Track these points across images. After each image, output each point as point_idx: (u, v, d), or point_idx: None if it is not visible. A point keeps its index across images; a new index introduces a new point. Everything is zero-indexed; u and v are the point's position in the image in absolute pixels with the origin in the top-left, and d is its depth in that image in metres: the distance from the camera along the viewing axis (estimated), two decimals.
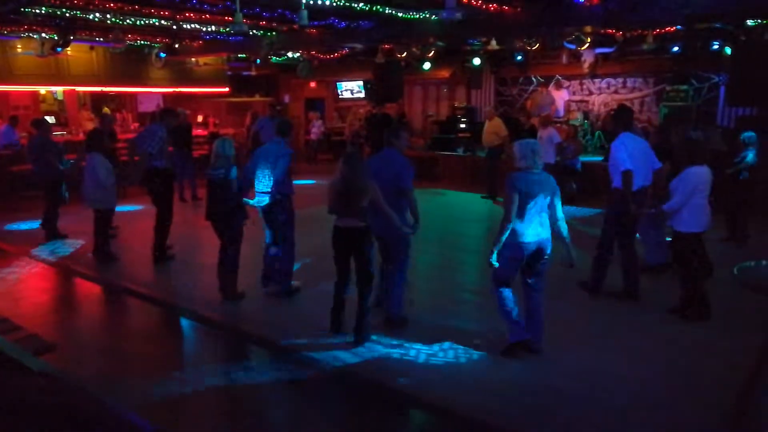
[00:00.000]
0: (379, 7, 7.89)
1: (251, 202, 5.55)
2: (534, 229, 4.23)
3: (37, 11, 8.34)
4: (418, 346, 4.69)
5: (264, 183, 5.46)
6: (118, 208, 7.76)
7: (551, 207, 4.29)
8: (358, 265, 4.71)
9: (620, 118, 5.53)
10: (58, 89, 13.01)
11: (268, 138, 11.61)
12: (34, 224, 8.70)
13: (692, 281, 5.04)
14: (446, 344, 4.73)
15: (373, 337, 4.80)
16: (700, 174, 4.89)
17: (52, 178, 8.01)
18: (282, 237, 5.69)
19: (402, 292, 5.09)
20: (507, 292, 4.42)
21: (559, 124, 12.97)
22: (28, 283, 6.59)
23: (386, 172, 4.75)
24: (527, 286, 4.47)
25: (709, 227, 5.04)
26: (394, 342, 4.76)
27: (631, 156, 5.21)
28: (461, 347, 4.67)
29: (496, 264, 4.27)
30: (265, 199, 5.48)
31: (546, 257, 4.35)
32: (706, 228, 4.99)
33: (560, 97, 13.58)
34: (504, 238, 4.21)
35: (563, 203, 4.43)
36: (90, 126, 11.52)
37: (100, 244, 7.13)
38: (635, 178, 5.19)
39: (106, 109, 13.54)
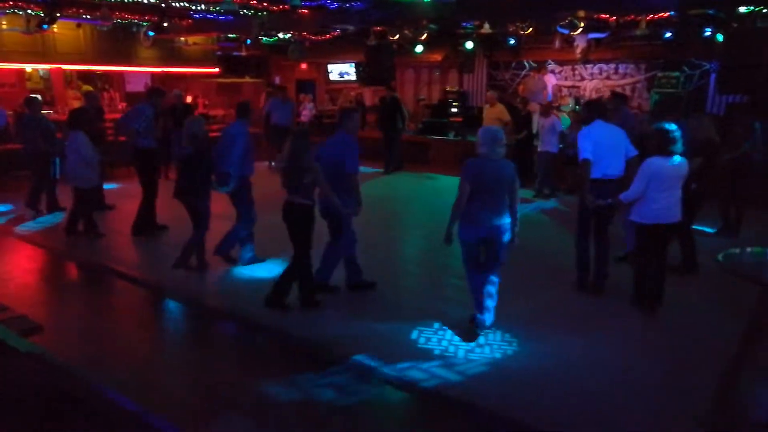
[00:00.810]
0: None
1: (222, 189, 5.70)
2: (489, 214, 4.32)
3: None
4: (391, 325, 4.74)
5: (225, 164, 5.66)
6: (109, 186, 7.68)
7: (510, 193, 4.36)
8: (291, 240, 4.92)
9: (593, 109, 5.37)
10: (44, 67, 12.76)
11: (278, 119, 11.83)
12: (19, 204, 8.63)
13: (635, 270, 5.10)
14: (428, 326, 4.77)
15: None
16: (659, 165, 4.66)
17: (39, 157, 7.97)
18: (242, 214, 5.97)
19: (335, 264, 5.36)
20: (475, 278, 4.59)
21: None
22: (15, 263, 6.54)
23: (333, 154, 4.93)
24: (485, 275, 4.54)
25: (665, 221, 4.77)
26: (373, 324, 4.79)
27: (598, 145, 5.07)
28: (442, 329, 4.72)
29: (453, 244, 4.48)
30: (231, 183, 5.66)
31: (502, 242, 4.42)
32: (654, 221, 4.76)
33: (548, 81, 13.55)
34: (455, 220, 4.41)
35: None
36: (76, 105, 11.35)
37: (86, 222, 7.17)
38: (601, 167, 5.09)
39: (88, 87, 13.30)
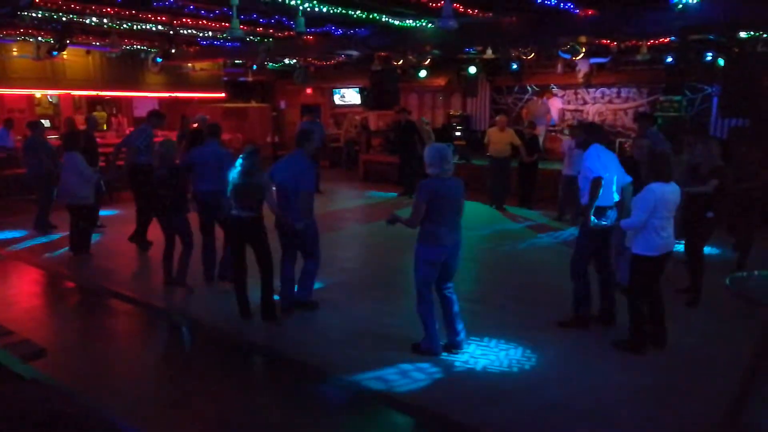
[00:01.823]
0: (375, 15, 7.92)
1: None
2: (449, 232, 4.38)
3: (34, 15, 8.34)
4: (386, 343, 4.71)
5: (211, 181, 5.84)
6: (111, 212, 7.77)
7: (460, 209, 4.47)
8: (256, 253, 5.15)
9: (592, 132, 5.18)
10: (54, 93, 12.98)
11: None
12: (27, 228, 8.68)
13: (630, 307, 4.66)
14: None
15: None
16: (664, 191, 4.40)
17: (42, 177, 8.14)
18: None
19: (314, 280, 5.57)
20: (431, 302, 4.57)
21: (554, 133, 13.05)
22: (20, 287, 6.55)
23: (290, 172, 5.11)
24: (442, 291, 4.60)
25: (670, 250, 4.57)
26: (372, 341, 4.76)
27: (604, 169, 4.88)
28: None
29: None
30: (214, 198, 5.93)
31: (458, 258, 4.56)
32: (661, 252, 4.50)
33: (554, 105, 13.66)
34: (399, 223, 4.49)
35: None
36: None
37: (78, 239, 7.39)
38: (604, 193, 4.82)
39: (102, 113, 13.51)
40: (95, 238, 7.88)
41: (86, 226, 7.48)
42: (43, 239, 8.30)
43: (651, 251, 4.48)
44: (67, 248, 7.53)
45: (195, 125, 9.14)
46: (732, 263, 6.62)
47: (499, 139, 10.19)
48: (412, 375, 4.34)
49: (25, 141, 8.89)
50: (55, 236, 8.40)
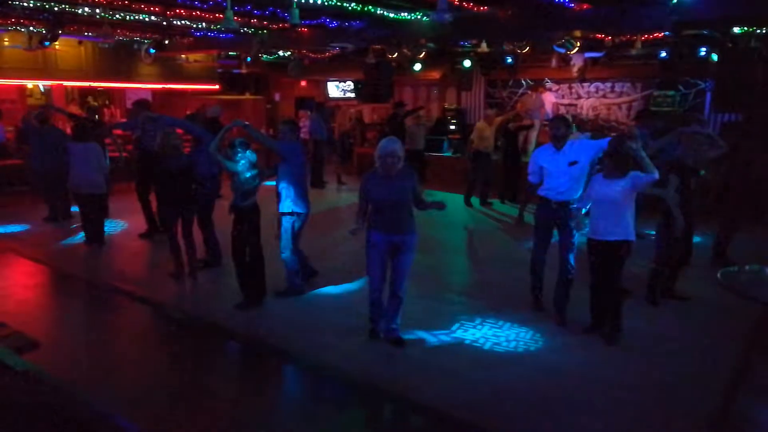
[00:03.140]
0: (370, 7, 7.89)
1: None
2: None
3: (26, 4, 8.24)
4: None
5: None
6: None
7: None
8: (252, 240, 5.40)
9: (571, 125, 5.30)
10: (45, 83, 12.85)
11: (316, 132, 12.08)
12: (21, 220, 8.63)
13: (616, 294, 4.72)
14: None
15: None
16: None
17: (54, 172, 8.15)
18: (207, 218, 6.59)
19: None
20: None
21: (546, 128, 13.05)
22: (15, 279, 6.52)
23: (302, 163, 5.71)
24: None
25: None
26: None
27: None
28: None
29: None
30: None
31: None
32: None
33: (547, 99, 13.65)
34: None
35: None
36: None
37: (99, 228, 7.50)
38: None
39: (94, 103, 13.41)
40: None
41: (100, 215, 7.57)
42: (38, 231, 8.26)
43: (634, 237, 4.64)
44: (61, 240, 7.51)
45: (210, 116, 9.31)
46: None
47: (489, 132, 10.27)
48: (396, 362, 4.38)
49: (34, 131, 8.69)
50: (49, 228, 8.37)
